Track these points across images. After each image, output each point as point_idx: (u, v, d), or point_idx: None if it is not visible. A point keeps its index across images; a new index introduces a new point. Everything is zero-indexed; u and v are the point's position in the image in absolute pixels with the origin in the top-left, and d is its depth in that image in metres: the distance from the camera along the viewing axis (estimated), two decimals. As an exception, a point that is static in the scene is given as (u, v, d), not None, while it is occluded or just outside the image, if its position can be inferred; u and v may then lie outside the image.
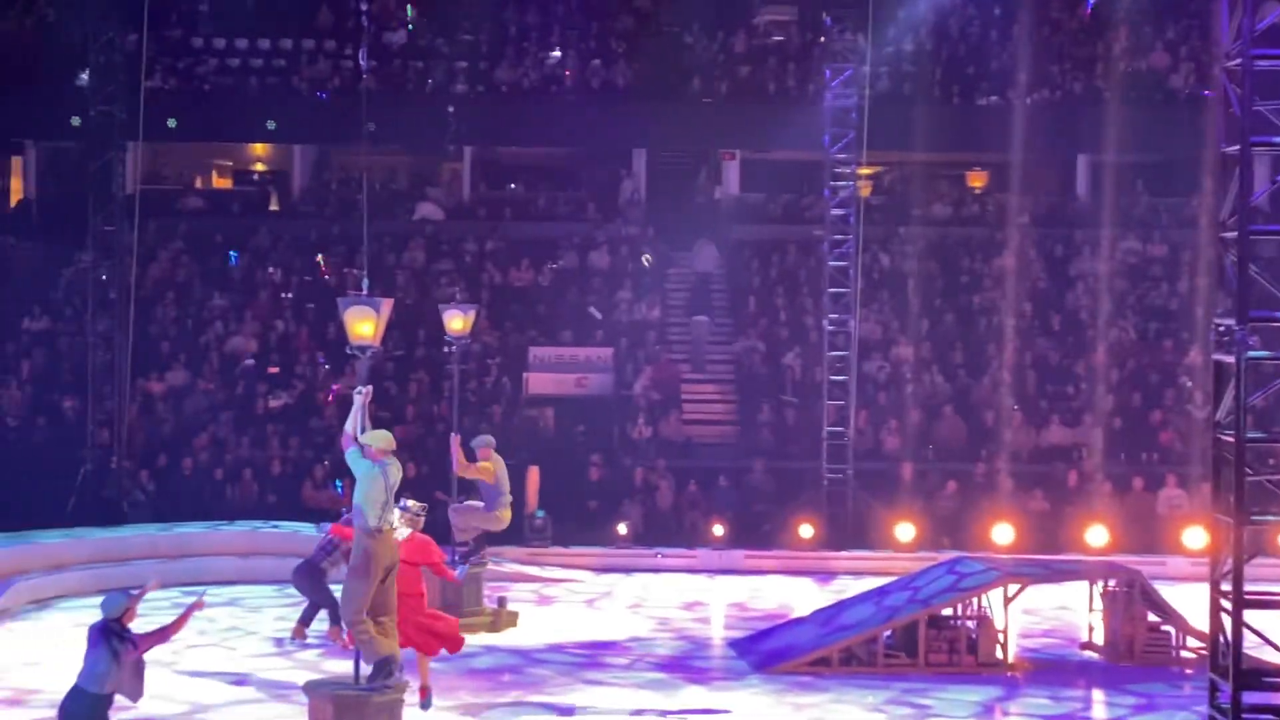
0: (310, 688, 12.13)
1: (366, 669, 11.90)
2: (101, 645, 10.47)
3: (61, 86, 26.98)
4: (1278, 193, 12.72)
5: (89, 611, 18.22)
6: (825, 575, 21.34)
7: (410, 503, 14.05)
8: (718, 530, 22.16)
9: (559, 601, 19.58)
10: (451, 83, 30.16)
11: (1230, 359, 10.65)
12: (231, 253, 29.15)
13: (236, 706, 14.06)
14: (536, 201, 31.31)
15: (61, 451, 23.03)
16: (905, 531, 21.89)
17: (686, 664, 16.10)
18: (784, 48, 31.04)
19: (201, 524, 20.73)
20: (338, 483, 22.89)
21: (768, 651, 16.11)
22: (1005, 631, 15.83)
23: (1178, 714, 14.12)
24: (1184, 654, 16.08)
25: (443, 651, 13.61)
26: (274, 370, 25.99)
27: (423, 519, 14.06)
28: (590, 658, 16.27)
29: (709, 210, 31.02)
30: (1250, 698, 10.52)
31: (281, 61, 30.79)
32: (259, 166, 33.20)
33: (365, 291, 12.99)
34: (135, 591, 10.90)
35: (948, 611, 15.89)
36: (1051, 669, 15.97)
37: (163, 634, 10.87)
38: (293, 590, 19.46)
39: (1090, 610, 16.82)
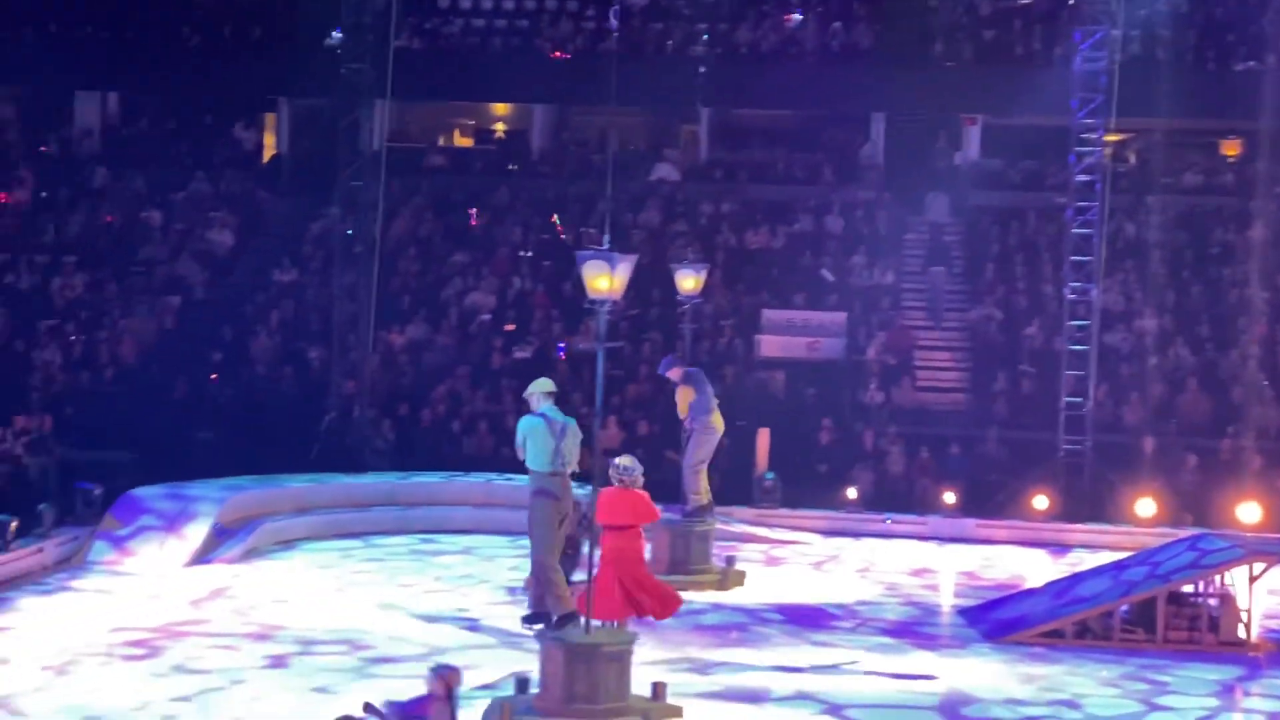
0: (542, 635, 12.34)
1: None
2: None
3: (313, 45, 27.75)
4: None
5: (331, 554, 18.94)
6: (1059, 547, 20.97)
7: (621, 460, 14.22)
8: (949, 498, 21.91)
9: (786, 563, 19.59)
10: (691, 44, 30.26)
11: None
12: (471, 210, 29.73)
13: (470, 651, 14.37)
14: (773, 164, 31.24)
15: (307, 400, 23.77)
16: (1145, 506, 21.34)
17: (915, 630, 15.99)
18: (1030, 10, 30.42)
19: (439, 474, 21.20)
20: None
21: (999, 621, 15.91)
22: (1249, 611, 15.36)
23: None
24: None
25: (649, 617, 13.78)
26: (510, 327, 26.44)
27: (635, 477, 14.19)
28: (817, 620, 16.25)
29: (948, 175, 30.60)
30: None
31: (524, 22, 31.24)
32: (500, 126, 33.73)
33: (606, 247, 13.09)
34: None
35: (1188, 588, 15.46)
36: (1298, 652, 15.48)
37: None
38: (525, 540, 19.96)
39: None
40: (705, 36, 30.35)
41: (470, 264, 27.96)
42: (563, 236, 28.48)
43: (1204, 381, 24.56)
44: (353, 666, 13.67)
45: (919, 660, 14.60)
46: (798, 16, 30.91)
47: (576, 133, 32.18)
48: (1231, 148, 30.72)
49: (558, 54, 30.77)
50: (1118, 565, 16.59)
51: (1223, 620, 15.29)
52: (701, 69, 29.09)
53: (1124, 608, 15.41)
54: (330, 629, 15.06)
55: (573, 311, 25.67)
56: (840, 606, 17.02)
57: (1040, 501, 21.74)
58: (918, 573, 19.33)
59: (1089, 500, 22.24)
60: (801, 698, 13.11)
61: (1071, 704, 13.16)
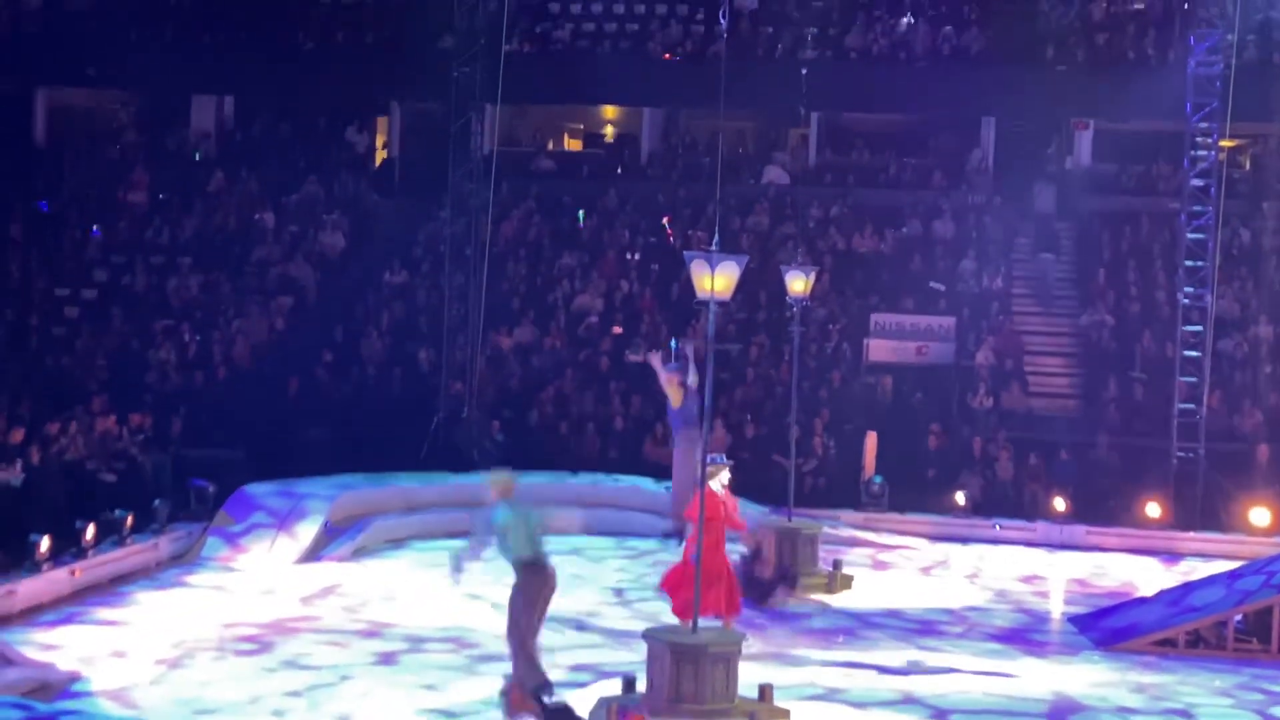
0: (650, 635, 12.38)
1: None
2: None
3: (425, 50, 28.00)
4: None
5: (439, 552, 19.02)
6: (1172, 556, 20.69)
7: (719, 457, 14.27)
8: (1059, 504, 21.70)
9: (894, 568, 19.50)
10: (801, 48, 30.22)
11: None
12: (580, 213, 29.87)
13: (579, 650, 14.45)
14: (882, 168, 31.10)
15: (417, 400, 23.99)
16: (1260, 516, 21.01)
17: (1024, 636, 15.86)
18: (1144, 14, 30.07)
19: (547, 474, 21.31)
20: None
21: (1110, 629, 15.74)
22: (1368, 621, 15.08)
23: None
24: None
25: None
26: (618, 329, 26.53)
27: (723, 475, 14.21)
28: (925, 624, 16.16)
29: (1059, 180, 30.31)
30: None
31: (634, 26, 31.33)
32: (609, 130, 33.87)
33: (715, 249, 13.10)
34: None
35: (1304, 598, 15.22)
36: None
37: None
38: (633, 542, 20.06)
39: None
40: (814, 40, 30.28)
41: (578, 267, 28.09)
42: (671, 239, 28.53)
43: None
44: (460, 664, 13.79)
45: (1027, 667, 14.47)
46: (908, 20, 30.75)
47: (685, 136, 32.23)
48: (1348, 151, 30.14)
49: (667, 57, 30.86)
50: (1232, 574, 16.35)
51: (1340, 631, 15.01)
52: (803, 74, 29.01)
53: (1239, 617, 15.19)
54: (438, 627, 15.20)
55: (681, 314, 25.72)
56: (948, 612, 16.92)
57: (1152, 509, 21.47)
58: (1027, 579, 19.16)
59: (1202, 508, 21.93)
60: (908, 702, 13.05)
61: (1184, 713, 13.00)
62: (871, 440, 22.48)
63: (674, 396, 17.35)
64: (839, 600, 17.23)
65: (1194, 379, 22.72)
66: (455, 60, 24.04)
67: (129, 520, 17.07)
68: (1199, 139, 22.92)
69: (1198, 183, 22.93)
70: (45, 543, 15.42)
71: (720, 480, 14.27)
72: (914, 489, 22.38)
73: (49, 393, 22.62)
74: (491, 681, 13.10)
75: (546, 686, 11.91)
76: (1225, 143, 23.39)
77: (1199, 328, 22.83)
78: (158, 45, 30.54)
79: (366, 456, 21.20)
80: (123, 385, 23.78)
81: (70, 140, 31.72)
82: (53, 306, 26.69)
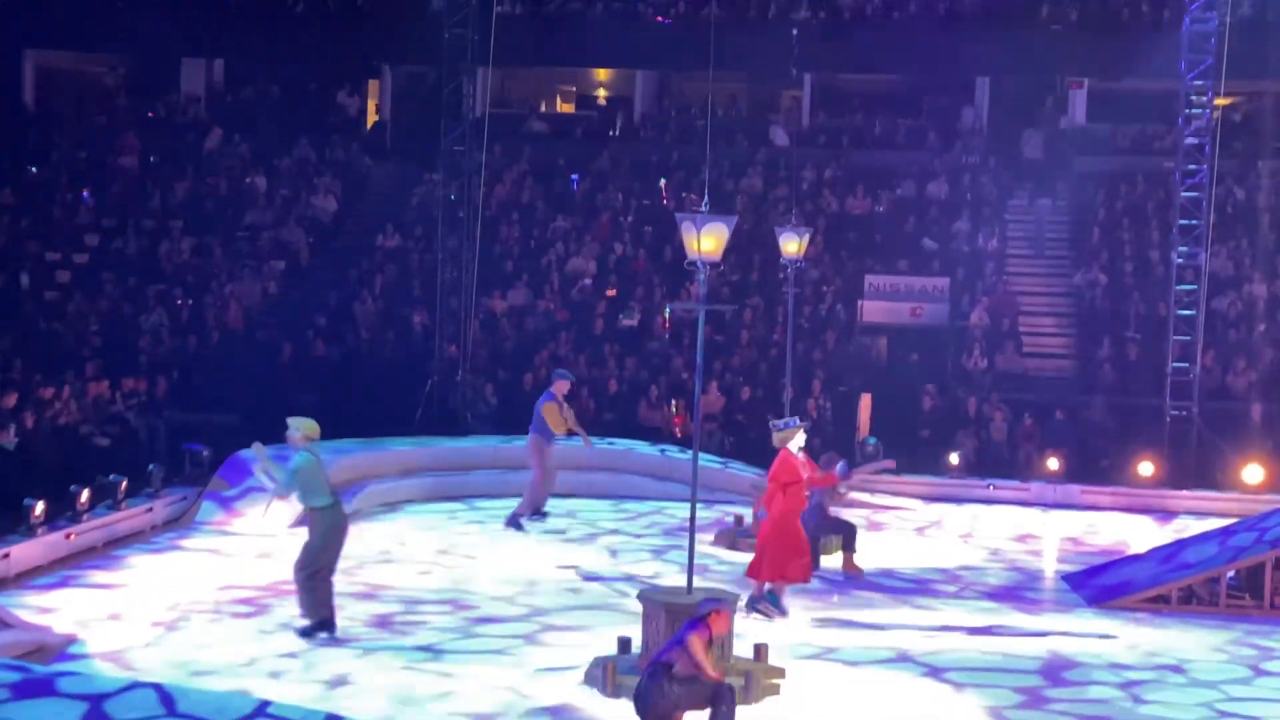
0: (644, 596, 12.40)
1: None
2: None
3: (416, 12, 27.89)
4: None
5: (435, 516, 19.11)
6: (1165, 514, 20.74)
7: (793, 420, 14.27)
8: (1052, 464, 21.73)
9: (888, 528, 19.52)
10: (794, 9, 30.10)
11: None
12: (573, 176, 29.81)
13: (573, 611, 14.47)
14: (876, 129, 31.04)
15: (410, 363, 23.98)
16: (1253, 473, 21.06)
17: (1018, 594, 15.89)
18: (1139, -28, 30.01)
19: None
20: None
21: (1103, 586, 15.77)
22: (1360, 579, 15.13)
23: None
24: None
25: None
26: (612, 292, 26.50)
27: (777, 435, 14.24)
28: (919, 584, 16.19)
29: (1053, 140, 30.26)
30: None
31: (626, -13, 31.24)
32: (601, 92, 33.76)
33: (705, 210, 13.08)
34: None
35: (1297, 554, 15.26)
36: None
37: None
38: (628, 504, 20.08)
39: None
40: (808, 1, 30.16)
41: (572, 230, 28.06)
42: (665, 202, 28.49)
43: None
44: (457, 626, 13.81)
45: (1021, 625, 14.51)
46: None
47: (678, 98, 32.14)
48: (1344, 110, 30.10)
49: (660, 19, 30.73)
50: (1225, 531, 16.39)
51: (1332, 587, 15.06)
52: (794, 34, 28.91)
53: (1231, 574, 15.23)
54: (434, 589, 15.22)
55: (674, 277, 25.71)
56: (942, 571, 16.96)
57: (1146, 468, 21.50)
58: (1021, 538, 19.20)
59: (1195, 467, 21.97)
60: (902, 660, 13.08)
61: (1177, 669, 13.04)
62: (866, 401, 22.49)
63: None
64: (833, 561, 17.22)
65: (1188, 338, 22.74)
66: (447, 22, 23.93)
67: (123, 485, 17.07)
68: (1194, 97, 22.86)
69: (1192, 141, 22.88)
70: (40, 507, 15.42)
71: (796, 443, 14.25)
72: (908, 449, 22.37)
73: (42, 357, 22.59)
74: (489, 642, 13.16)
75: (329, 624, 12.94)
76: (1220, 101, 23.33)
77: (1193, 286, 22.83)
78: (147, 8, 30.36)
79: (360, 420, 21.18)
80: (115, 349, 23.76)
81: (59, 104, 31.60)
82: (44, 271, 26.63)
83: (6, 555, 14.74)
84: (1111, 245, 27.19)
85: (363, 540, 17.56)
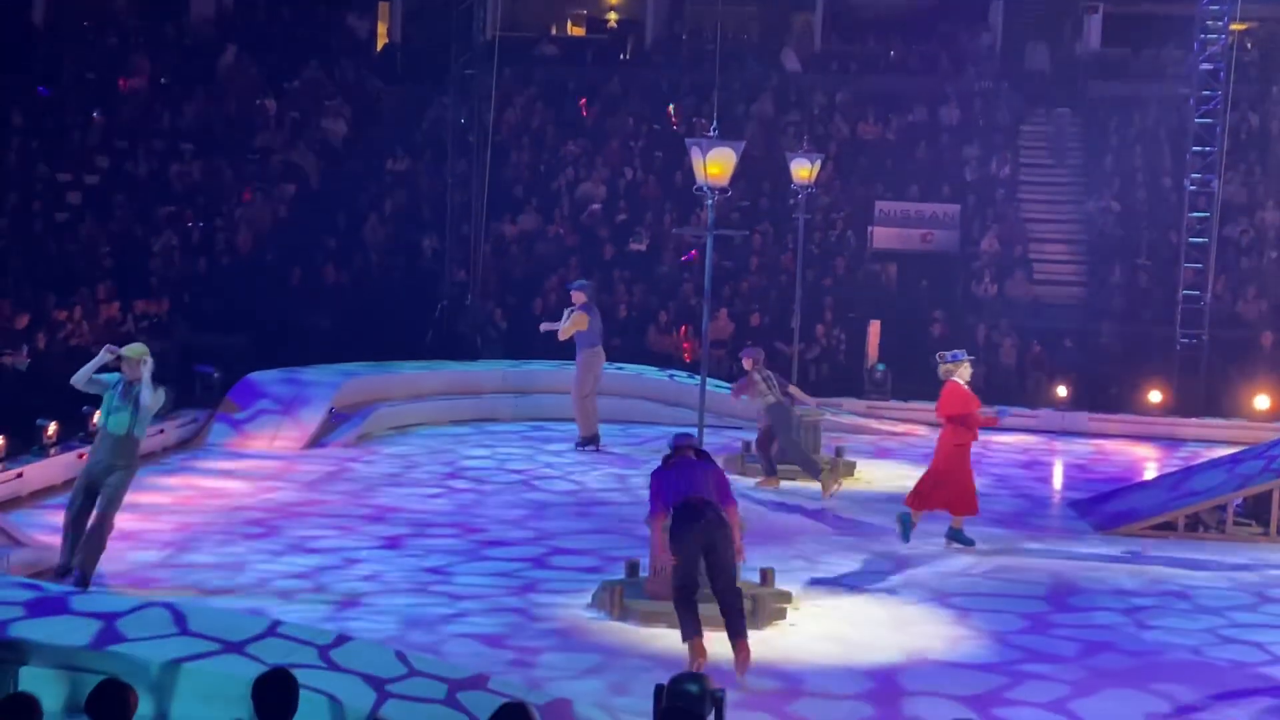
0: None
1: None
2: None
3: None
4: None
5: (444, 439, 19.19)
6: (1173, 442, 20.77)
7: (960, 353, 14.25)
8: (1061, 391, 21.76)
9: (896, 455, 19.58)
10: (807, -69, 29.88)
11: None
12: (583, 100, 29.68)
13: (580, 535, 14.56)
14: (888, 54, 30.83)
15: (420, 288, 24.00)
16: (1262, 401, 21.08)
17: (1025, 520, 15.97)
18: (1156, -106, 29.70)
19: (550, 362, 21.36)
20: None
21: (1110, 513, 15.84)
22: (1367, 506, 15.18)
23: None
24: None
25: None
26: (622, 217, 26.45)
27: (944, 367, 14.26)
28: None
29: (1068, 65, 30.05)
30: None
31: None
32: (612, 16, 33.55)
33: (714, 135, 13.05)
34: None
35: (1304, 483, 15.31)
36: None
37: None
38: (637, 429, 20.14)
39: None
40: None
41: (582, 154, 27.96)
42: (675, 127, 28.38)
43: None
44: (465, 549, 13.89)
45: (1027, 551, 14.58)
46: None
47: (690, 22, 31.95)
48: (1362, 35, 29.90)
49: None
50: (1233, 459, 16.43)
51: (1338, 515, 15.11)
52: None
53: (1238, 501, 15.28)
54: (443, 512, 15.31)
55: (684, 201, 25.64)
56: (949, 497, 16.99)
57: (1154, 395, 21.52)
58: (1029, 465, 19.27)
59: (1204, 394, 21.98)
60: (908, 586, 13.16)
61: (1182, 595, 13.10)
62: (875, 328, 22.51)
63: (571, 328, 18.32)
64: (841, 486, 17.31)
65: (1199, 265, 22.69)
66: (457, -56, 23.78)
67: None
68: (1209, 22, 22.68)
69: (1207, 67, 22.73)
70: (52, 427, 15.51)
71: (963, 375, 14.25)
72: (917, 377, 22.37)
73: (53, 279, 22.62)
74: (497, 565, 13.25)
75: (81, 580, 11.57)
76: (1236, 26, 23.15)
77: (1205, 214, 22.76)
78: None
79: (370, 344, 21.25)
80: (127, 271, 23.78)
81: (69, 25, 31.43)
82: (55, 193, 26.60)
83: (20, 475, 14.85)
84: (1124, 172, 27.08)
85: (372, 463, 17.70)
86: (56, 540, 12.36)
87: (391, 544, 13.96)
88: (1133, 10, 29.47)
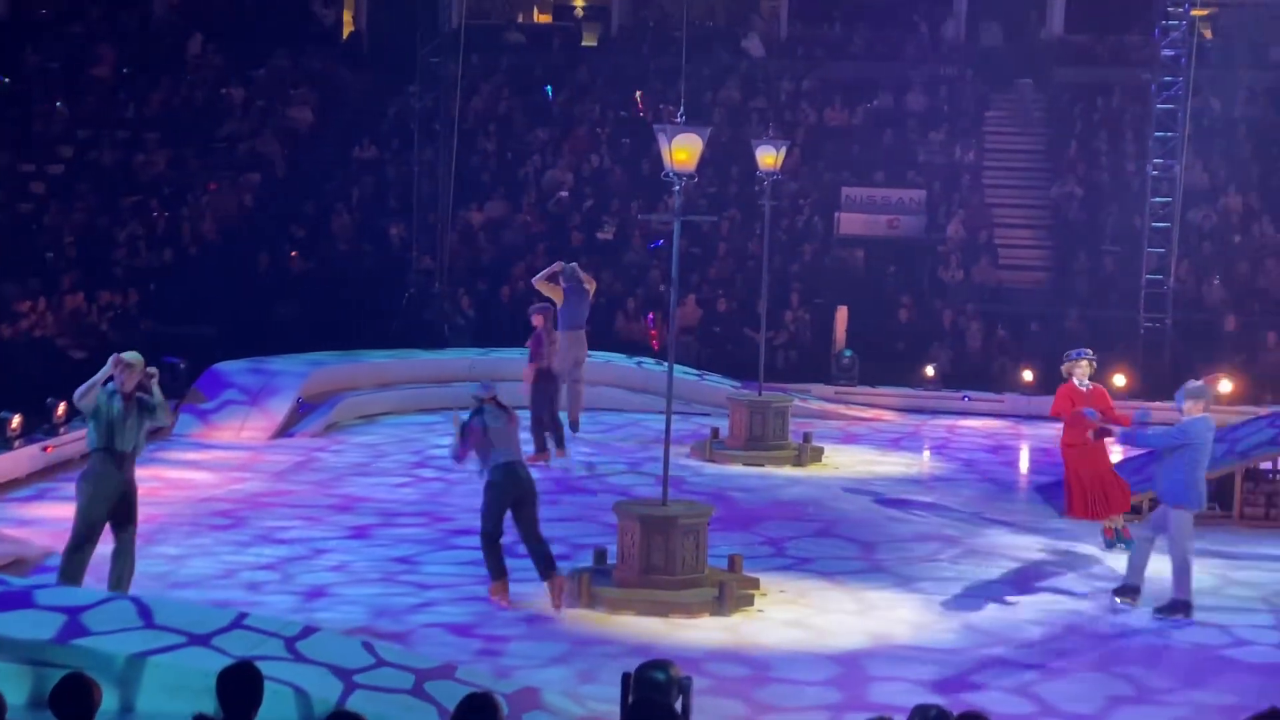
0: (620, 508, 12.51)
1: None
2: None
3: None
4: None
5: (411, 428, 19.18)
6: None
7: (1083, 351, 14.18)
8: (1027, 376, 21.86)
9: (863, 440, 19.66)
10: (771, -82, 29.87)
11: None
12: (549, 87, 29.64)
13: (549, 524, 14.52)
14: (854, 40, 30.87)
15: (387, 276, 23.96)
16: (1225, 385, 21.20)
17: (992, 505, 16.03)
18: (1119, -120, 29.78)
19: (517, 349, 21.31)
20: (650, 315, 23.32)
21: (1075, 497, 15.90)
22: (1327, 489, 15.31)
23: None
24: None
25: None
26: (589, 204, 26.44)
27: (1067, 365, 14.23)
28: (893, 495, 16.32)
29: (1031, 51, 30.14)
30: None
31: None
32: (579, 3, 33.51)
33: (681, 121, 13.06)
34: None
35: (1266, 465, 15.42)
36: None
37: None
38: (605, 416, 20.16)
39: None
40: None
41: (549, 141, 27.94)
42: (642, 114, 28.37)
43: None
44: (433, 538, 13.90)
45: (995, 535, 14.66)
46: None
47: (656, 9, 31.92)
48: (1323, 20, 30.02)
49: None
50: (1196, 443, 16.50)
51: (1300, 498, 15.24)
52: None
53: (1203, 484, 15.36)
54: (410, 502, 15.32)
55: (652, 188, 25.64)
56: (917, 483, 17.12)
57: (1119, 379, 21.61)
58: (995, 450, 19.36)
59: (1169, 378, 22.05)
60: (875, 571, 13.22)
61: (1146, 578, 13.16)
62: (842, 314, 22.58)
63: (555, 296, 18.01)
64: (808, 473, 17.39)
65: (1162, 250, 22.81)
66: (423, -70, 23.73)
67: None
68: (1170, 8, 22.77)
69: (1169, 52, 22.83)
70: (16, 420, 15.46)
71: (1079, 374, 14.16)
72: (884, 362, 22.53)
73: (17, 269, 22.51)
74: (465, 554, 13.25)
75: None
76: (1197, 11, 23.26)
77: (1168, 199, 22.87)
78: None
79: (337, 333, 21.22)
80: (91, 262, 23.68)
81: (33, 13, 31.25)
82: (18, 183, 26.47)
83: (-17, 468, 14.79)
84: (1088, 157, 27.19)
85: (339, 453, 17.68)
86: (20, 533, 12.32)
87: (359, 534, 13.96)
88: (1096, -4, 29.62)
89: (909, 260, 25.23)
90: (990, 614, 12.05)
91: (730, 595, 11.77)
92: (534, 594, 12.07)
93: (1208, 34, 28.92)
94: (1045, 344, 22.88)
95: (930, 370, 22.17)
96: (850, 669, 10.62)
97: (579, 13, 33.32)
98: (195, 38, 29.97)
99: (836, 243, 25.62)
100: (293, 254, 24.92)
